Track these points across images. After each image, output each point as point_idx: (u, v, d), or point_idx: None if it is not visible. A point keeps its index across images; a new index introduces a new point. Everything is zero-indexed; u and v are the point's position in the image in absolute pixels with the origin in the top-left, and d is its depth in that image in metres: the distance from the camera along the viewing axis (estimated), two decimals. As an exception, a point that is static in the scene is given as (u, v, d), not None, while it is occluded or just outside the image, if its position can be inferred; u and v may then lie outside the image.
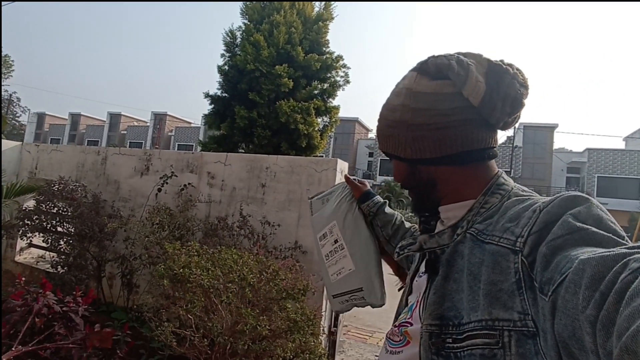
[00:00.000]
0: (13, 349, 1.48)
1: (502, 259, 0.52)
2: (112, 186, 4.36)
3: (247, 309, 1.86)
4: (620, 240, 0.44)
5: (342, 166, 3.52)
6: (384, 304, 0.97)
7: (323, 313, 3.17)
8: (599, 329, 0.34)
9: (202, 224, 3.59)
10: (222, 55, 7.75)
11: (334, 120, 7.69)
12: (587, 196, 0.50)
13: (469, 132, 0.63)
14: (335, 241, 0.99)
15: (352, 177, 1.05)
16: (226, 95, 7.65)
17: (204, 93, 7.46)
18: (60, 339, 1.60)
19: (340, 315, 3.67)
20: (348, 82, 7.65)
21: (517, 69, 0.63)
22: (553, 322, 0.42)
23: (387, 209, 1.01)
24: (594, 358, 0.35)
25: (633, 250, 0.37)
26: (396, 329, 0.68)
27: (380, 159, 30.38)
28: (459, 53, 0.65)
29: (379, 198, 1.03)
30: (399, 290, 0.81)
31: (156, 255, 3.24)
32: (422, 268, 0.68)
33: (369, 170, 30.27)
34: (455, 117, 0.63)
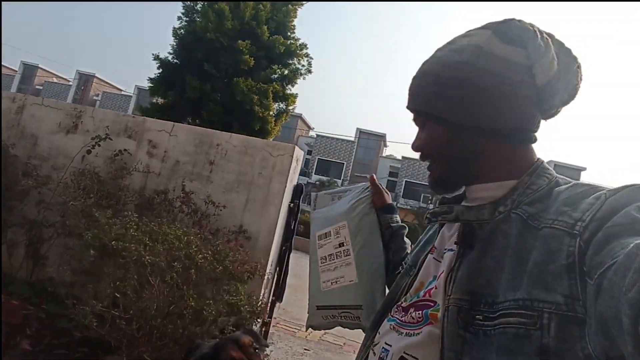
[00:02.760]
0: None
1: (554, 241, 0.49)
2: (27, 141, 3.77)
3: (189, 289, 1.68)
4: None
5: (299, 154, 3.42)
6: None
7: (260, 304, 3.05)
8: None
9: (136, 196, 3.25)
10: (179, 18, 7.11)
11: (290, 107, 7.50)
12: None
13: (528, 109, 0.59)
14: (341, 244, 0.86)
15: (378, 182, 0.94)
16: (178, 61, 7.03)
17: (153, 54, 6.80)
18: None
19: (275, 306, 3.58)
20: (310, 71, 7.52)
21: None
22: (596, 306, 0.40)
23: (405, 234, 0.94)
24: (629, 339, 0.35)
25: None
26: (413, 310, 0.62)
27: (318, 158, 30.58)
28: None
29: (399, 217, 0.95)
30: (397, 273, 0.75)
31: (75, 224, 2.85)
32: (447, 245, 0.64)
33: (306, 168, 30.37)
34: (519, 91, 0.58)
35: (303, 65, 7.53)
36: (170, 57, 7.13)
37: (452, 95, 0.59)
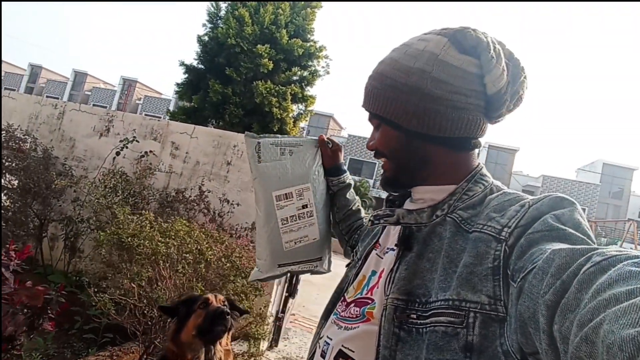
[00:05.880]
0: None
1: (482, 244, 0.52)
2: (66, 143, 4.11)
3: (197, 282, 1.83)
4: (592, 243, 0.46)
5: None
6: (330, 271, 0.95)
7: (272, 299, 3.18)
8: (558, 314, 0.36)
9: (158, 194, 3.48)
10: (204, 25, 7.46)
11: (309, 109, 7.63)
12: (573, 201, 0.51)
13: (477, 119, 0.61)
14: (304, 206, 0.87)
15: (327, 140, 0.93)
16: (202, 67, 7.38)
17: (179, 61, 7.17)
18: (-16, 292, 1.49)
19: (289, 302, 3.69)
20: (328, 72, 7.61)
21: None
22: (517, 306, 0.44)
23: (349, 193, 0.96)
24: (544, 337, 0.37)
25: (600, 247, 0.39)
26: (354, 306, 0.65)
27: (350, 158, 30.47)
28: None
29: (347, 176, 0.96)
30: (347, 265, 0.78)
31: (106, 220, 3.10)
32: (389, 244, 0.67)
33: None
34: (471, 101, 0.60)
35: (322, 67, 7.69)
36: (195, 63, 7.49)
37: (406, 102, 0.60)
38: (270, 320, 3.20)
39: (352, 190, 0.97)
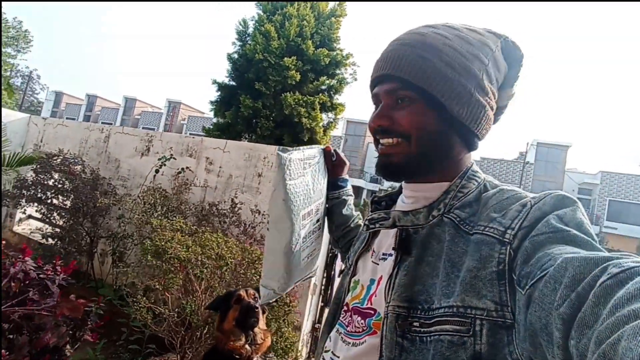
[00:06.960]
0: (-18, 309, 1.49)
1: (485, 247, 0.49)
2: (112, 164, 4.41)
3: (222, 289, 1.87)
4: (595, 244, 0.44)
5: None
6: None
7: (307, 310, 3.16)
8: (575, 328, 0.34)
9: (195, 208, 3.61)
10: (233, 43, 7.80)
11: (339, 117, 7.66)
12: (574, 199, 0.50)
13: (492, 121, 0.63)
14: (318, 220, 0.84)
15: (333, 151, 0.90)
16: (233, 83, 7.68)
17: (212, 79, 7.53)
18: (32, 304, 1.60)
19: (325, 313, 3.65)
20: (356, 79, 7.67)
21: None
22: (526, 314, 0.42)
23: (345, 209, 0.92)
24: (558, 352, 0.35)
25: (614, 255, 0.37)
26: (357, 316, 0.62)
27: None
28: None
29: (345, 192, 0.92)
30: (339, 274, 0.75)
31: (147, 235, 3.27)
32: (384, 249, 0.63)
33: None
34: (493, 103, 0.61)
35: (350, 74, 7.71)
36: (226, 80, 7.81)
37: (462, 86, 0.55)
38: (306, 332, 3.18)
39: (349, 205, 0.93)
